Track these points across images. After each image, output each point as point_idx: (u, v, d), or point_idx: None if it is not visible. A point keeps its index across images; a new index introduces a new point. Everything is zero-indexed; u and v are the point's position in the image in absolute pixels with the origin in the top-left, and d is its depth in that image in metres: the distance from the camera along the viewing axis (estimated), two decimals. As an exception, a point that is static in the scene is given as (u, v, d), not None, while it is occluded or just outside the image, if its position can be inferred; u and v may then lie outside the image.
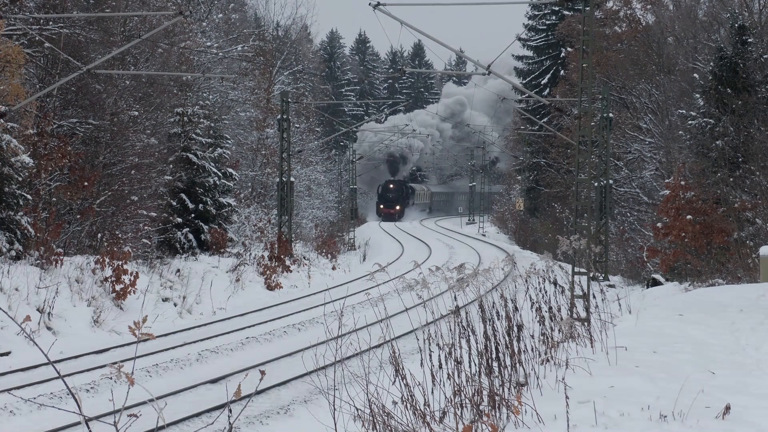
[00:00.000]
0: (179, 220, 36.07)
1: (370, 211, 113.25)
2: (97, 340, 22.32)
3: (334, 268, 45.63)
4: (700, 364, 10.09)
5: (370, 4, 24.71)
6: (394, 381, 7.61)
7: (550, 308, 10.36)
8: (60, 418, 14.02)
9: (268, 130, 54.63)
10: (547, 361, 9.47)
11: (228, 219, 39.03)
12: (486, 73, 26.58)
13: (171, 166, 35.80)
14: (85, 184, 28.10)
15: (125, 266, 25.99)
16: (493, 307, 8.90)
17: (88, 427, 4.59)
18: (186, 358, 20.26)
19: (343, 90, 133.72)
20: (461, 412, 7.62)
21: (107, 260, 25.84)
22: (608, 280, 37.77)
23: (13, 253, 24.37)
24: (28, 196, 25.37)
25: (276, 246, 39.98)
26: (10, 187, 24.68)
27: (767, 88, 34.21)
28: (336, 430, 7.11)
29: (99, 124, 30.13)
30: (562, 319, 10.34)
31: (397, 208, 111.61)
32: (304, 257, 44.14)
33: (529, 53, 76.78)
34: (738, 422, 7.21)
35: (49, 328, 21.84)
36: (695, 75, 40.58)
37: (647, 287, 32.70)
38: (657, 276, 33.60)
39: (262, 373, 5.11)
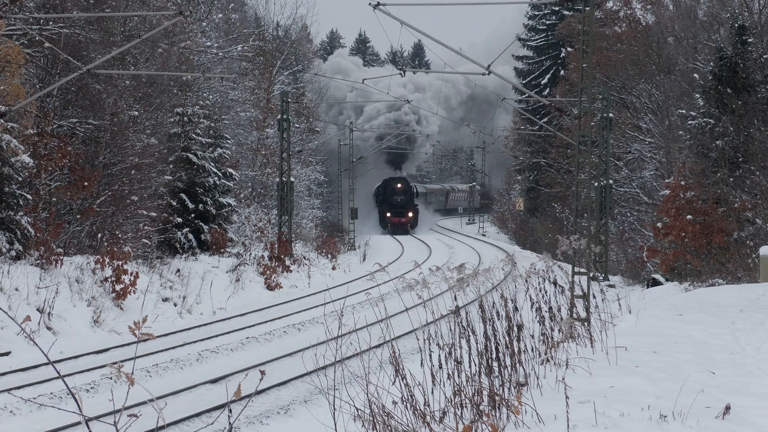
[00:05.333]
0: (179, 220, 36.07)
1: (367, 217, 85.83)
2: (97, 340, 22.32)
3: (334, 268, 45.63)
4: (700, 364, 10.10)
5: (370, 4, 24.70)
6: (394, 381, 7.60)
7: (550, 308, 10.37)
8: (60, 418, 14.01)
9: (268, 130, 54.63)
10: (547, 361, 9.47)
11: (228, 219, 39.02)
12: (486, 73, 26.58)
13: (171, 166, 35.80)
14: (85, 184, 28.10)
15: (125, 266, 25.98)
16: (493, 307, 8.90)
17: (88, 427, 4.59)
18: (186, 358, 20.26)
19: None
20: (461, 412, 7.62)
21: (107, 260, 25.83)
22: (608, 280, 37.76)
23: (13, 253, 24.37)
24: (28, 196, 25.36)
25: (276, 246, 39.99)
26: (10, 187, 24.68)
27: (767, 88, 34.21)
28: (336, 430, 7.11)
29: (99, 124, 30.13)
30: (562, 319, 10.34)
31: (410, 215, 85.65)
32: (304, 257, 44.14)
33: (529, 53, 76.80)
34: (738, 422, 7.21)
35: (49, 328, 21.84)
36: (695, 75, 40.58)
37: (647, 287, 32.71)
38: (657, 276, 33.60)
39: (262, 373, 5.11)
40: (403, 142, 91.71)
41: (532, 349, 9.42)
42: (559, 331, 10.31)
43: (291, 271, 39.03)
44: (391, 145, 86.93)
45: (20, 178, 25.17)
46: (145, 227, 32.34)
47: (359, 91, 64.08)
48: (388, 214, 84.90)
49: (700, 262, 31.72)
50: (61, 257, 24.76)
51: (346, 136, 71.18)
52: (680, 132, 39.84)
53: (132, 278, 25.74)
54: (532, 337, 9.69)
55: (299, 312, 28.45)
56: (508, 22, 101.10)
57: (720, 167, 33.21)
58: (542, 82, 74.34)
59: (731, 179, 32.69)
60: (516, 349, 8.87)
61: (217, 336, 23.61)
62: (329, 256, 49.45)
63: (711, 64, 35.74)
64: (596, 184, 37.36)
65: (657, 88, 47.20)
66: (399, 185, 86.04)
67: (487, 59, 27.64)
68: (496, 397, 7.66)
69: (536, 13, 75.90)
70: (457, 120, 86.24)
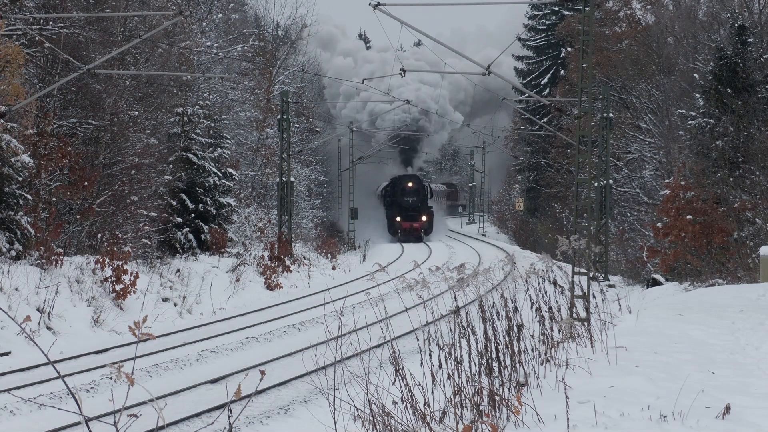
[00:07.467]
0: (179, 220, 36.07)
1: (368, 219, 74.84)
2: (97, 340, 22.32)
3: (334, 268, 45.63)
4: (700, 364, 10.09)
5: (370, 4, 24.69)
6: (394, 381, 7.60)
7: (550, 308, 10.36)
8: (60, 418, 14.01)
9: (268, 130, 54.65)
10: (547, 361, 9.47)
11: (228, 219, 39.03)
12: (486, 73, 26.57)
13: (171, 166, 35.80)
14: (85, 184, 28.10)
15: (125, 266, 25.98)
16: (493, 307, 8.90)
17: (88, 427, 4.59)
18: (186, 358, 20.25)
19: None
20: (461, 412, 7.61)
21: (107, 260, 25.83)
22: (608, 280, 37.76)
23: (13, 253, 24.37)
24: (28, 196, 25.36)
25: (276, 246, 39.99)
26: (10, 187, 24.68)
27: (767, 88, 34.21)
28: (336, 430, 7.11)
29: (99, 124, 30.13)
30: (562, 319, 10.34)
31: (423, 219, 73.17)
32: (304, 257, 44.14)
33: (529, 53, 76.78)
34: (738, 422, 7.20)
35: (49, 328, 21.83)
36: (695, 75, 40.60)
37: (647, 287, 32.70)
38: (657, 276, 33.60)
39: (262, 373, 5.11)
40: (402, 142, 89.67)
41: (532, 349, 9.41)
42: (559, 331, 10.30)
43: (291, 271, 39.03)
44: (393, 144, 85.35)
45: (20, 178, 25.17)
46: (145, 227, 32.34)
47: (357, 90, 63.34)
48: (398, 218, 72.76)
49: (700, 262, 31.73)
50: (61, 257, 24.76)
51: (347, 136, 71.13)
52: (680, 132, 39.85)
53: (132, 278, 25.74)
54: (532, 337, 9.68)
55: (299, 312, 28.45)
56: (519, 6, 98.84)
57: (720, 167, 33.22)
58: (542, 82, 74.37)
59: (731, 179, 32.70)
60: (516, 349, 8.87)
61: (217, 336, 23.61)
62: (329, 256, 49.45)
63: (711, 64, 35.76)
64: (596, 184, 37.36)
65: (657, 88, 47.21)
66: (411, 184, 73.64)
67: (500, 44, 27.64)
68: (496, 397, 7.65)
69: (536, 13, 75.91)
70: (459, 121, 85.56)
